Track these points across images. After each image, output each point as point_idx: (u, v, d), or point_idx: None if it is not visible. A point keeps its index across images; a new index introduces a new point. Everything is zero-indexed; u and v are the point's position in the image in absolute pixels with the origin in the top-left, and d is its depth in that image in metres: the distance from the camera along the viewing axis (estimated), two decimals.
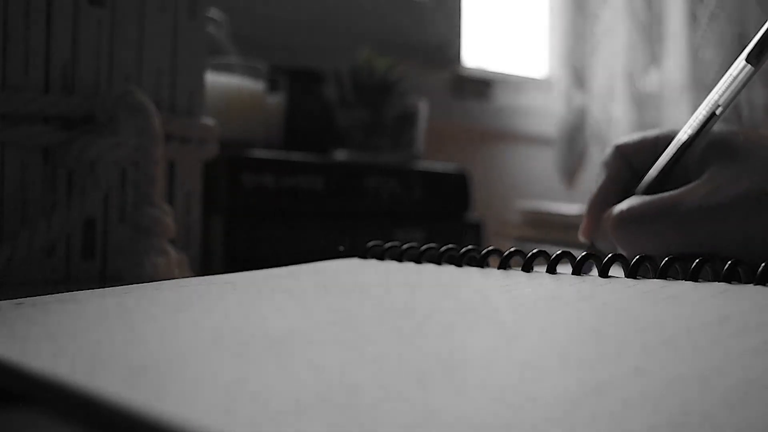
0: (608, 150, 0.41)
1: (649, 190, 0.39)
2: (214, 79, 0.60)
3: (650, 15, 1.18)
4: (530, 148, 1.21)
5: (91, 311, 0.26)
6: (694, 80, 1.18)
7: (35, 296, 0.28)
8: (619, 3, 1.17)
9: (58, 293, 0.29)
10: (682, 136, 0.37)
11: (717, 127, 0.37)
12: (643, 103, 1.18)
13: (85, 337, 0.22)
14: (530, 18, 1.28)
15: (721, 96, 0.36)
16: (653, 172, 0.39)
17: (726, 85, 0.36)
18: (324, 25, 0.97)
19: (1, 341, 0.21)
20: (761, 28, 0.35)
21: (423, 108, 0.76)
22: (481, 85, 1.15)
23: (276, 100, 0.71)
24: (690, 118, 0.38)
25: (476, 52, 1.19)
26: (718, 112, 0.36)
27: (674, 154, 0.38)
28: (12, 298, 0.28)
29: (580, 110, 1.18)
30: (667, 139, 0.39)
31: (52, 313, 0.25)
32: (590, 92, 1.19)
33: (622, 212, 0.37)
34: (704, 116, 0.37)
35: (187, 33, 0.48)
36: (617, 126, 1.18)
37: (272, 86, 0.70)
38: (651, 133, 0.41)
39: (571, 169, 1.18)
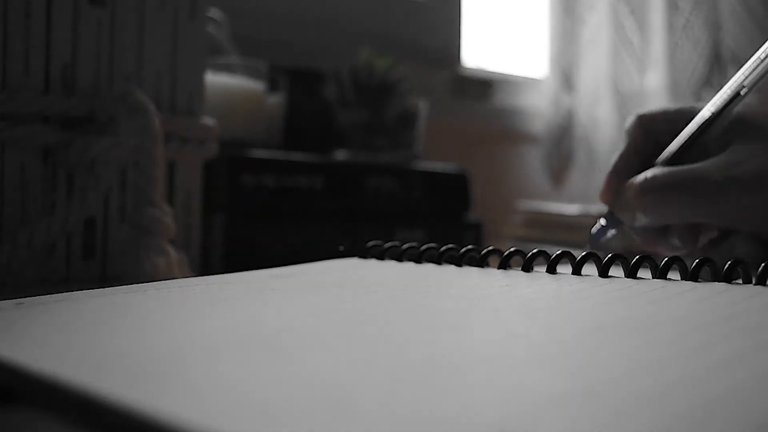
0: (630, 119, 0.43)
1: (669, 162, 0.40)
2: (214, 79, 0.60)
3: (633, 21, 1.20)
4: (530, 148, 1.21)
5: (91, 311, 0.26)
6: (673, 83, 1.20)
7: (35, 296, 0.28)
8: (604, 8, 1.19)
9: (58, 293, 0.29)
10: (706, 113, 0.39)
11: (740, 106, 0.38)
12: (627, 105, 1.19)
13: (85, 337, 0.22)
14: (530, 18, 1.28)
15: (746, 77, 0.37)
16: (674, 144, 0.40)
17: (753, 66, 0.37)
18: (324, 25, 0.97)
19: (1, 341, 0.21)
20: None
21: (423, 108, 0.76)
22: (481, 86, 1.15)
23: (276, 100, 0.71)
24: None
25: (476, 52, 1.19)
26: (742, 92, 0.37)
27: (697, 129, 0.39)
28: (12, 298, 0.28)
29: (567, 112, 1.19)
30: (689, 113, 0.40)
31: (52, 313, 0.25)
32: (578, 94, 1.20)
33: (646, 180, 0.38)
34: (728, 95, 0.38)
35: (187, 33, 0.48)
36: (603, 127, 1.19)
37: (272, 86, 0.70)
38: (673, 106, 0.42)
39: (557, 169, 1.19)
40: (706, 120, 0.38)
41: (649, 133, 0.42)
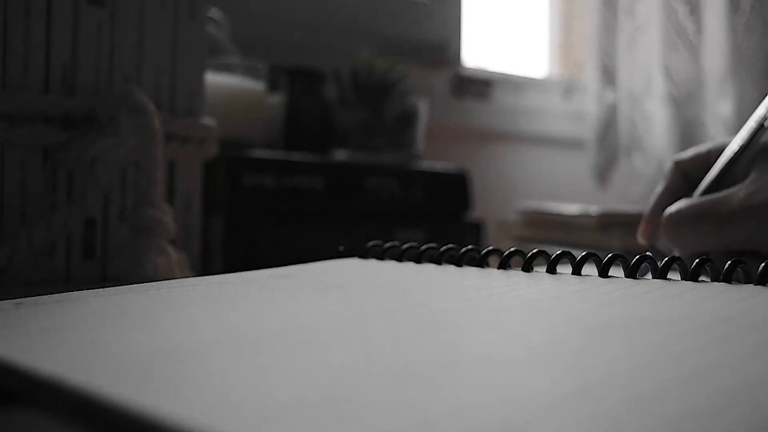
0: (667, 164, 0.46)
1: (703, 195, 0.42)
2: (214, 79, 0.60)
3: (686, 4, 1.11)
4: (530, 148, 1.21)
5: (91, 311, 0.26)
6: (736, 70, 1.11)
7: (35, 296, 0.28)
8: None
9: (58, 293, 0.29)
10: (734, 145, 0.41)
11: (765, 137, 0.40)
12: (680, 98, 1.12)
13: (85, 337, 0.22)
14: (530, 18, 1.28)
15: None
16: (707, 178, 0.42)
17: None
18: (324, 25, 0.97)
19: (1, 341, 0.21)
20: None
21: (423, 108, 0.76)
22: (481, 85, 1.15)
23: (276, 100, 0.71)
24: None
25: (476, 52, 1.19)
26: (766, 124, 0.40)
27: (726, 163, 0.41)
28: (12, 298, 0.28)
29: (611, 108, 1.14)
30: (719, 151, 0.43)
31: (52, 313, 0.25)
32: (623, 90, 1.13)
33: (671, 214, 0.41)
34: (753, 128, 0.40)
35: (187, 33, 0.48)
36: (654, 123, 1.12)
37: (272, 86, 0.70)
38: (703, 147, 0.45)
39: (604, 169, 1.15)
40: (735, 153, 0.41)
41: (685, 174, 0.44)
